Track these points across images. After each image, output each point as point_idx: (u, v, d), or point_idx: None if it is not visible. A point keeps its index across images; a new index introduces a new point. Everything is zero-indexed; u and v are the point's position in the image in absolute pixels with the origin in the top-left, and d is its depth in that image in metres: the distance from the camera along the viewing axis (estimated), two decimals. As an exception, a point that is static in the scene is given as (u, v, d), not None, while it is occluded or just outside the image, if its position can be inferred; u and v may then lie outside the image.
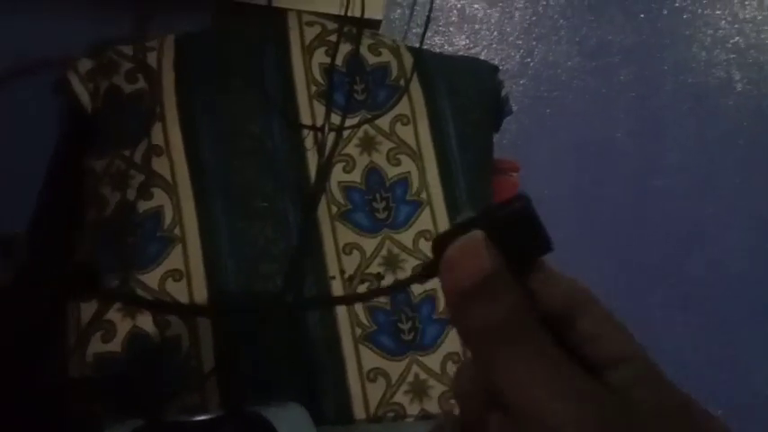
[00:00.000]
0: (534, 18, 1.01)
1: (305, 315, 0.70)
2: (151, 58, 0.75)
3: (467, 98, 0.80)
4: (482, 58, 0.98)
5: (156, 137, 0.72)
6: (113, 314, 0.66)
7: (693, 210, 1.10)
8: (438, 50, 0.96)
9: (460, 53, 0.98)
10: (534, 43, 1.01)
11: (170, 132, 0.72)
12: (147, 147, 0.71)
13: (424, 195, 0.75)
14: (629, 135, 1.06)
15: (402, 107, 0.76)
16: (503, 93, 0.83)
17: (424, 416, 0.68)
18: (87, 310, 0.66)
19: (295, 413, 0.49)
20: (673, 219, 1.09)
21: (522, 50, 1.01)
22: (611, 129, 1.06)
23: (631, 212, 1.07)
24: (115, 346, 0.65)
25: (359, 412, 0.68)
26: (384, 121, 0.76)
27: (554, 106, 1.02)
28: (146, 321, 0.66)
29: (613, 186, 1.06)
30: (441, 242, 0.25)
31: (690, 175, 1.10)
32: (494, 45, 1.00)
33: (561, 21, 1.02)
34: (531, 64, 1.02)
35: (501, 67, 0.87)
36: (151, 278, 0.67)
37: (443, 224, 0.75)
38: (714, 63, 1.09)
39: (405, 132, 0.76)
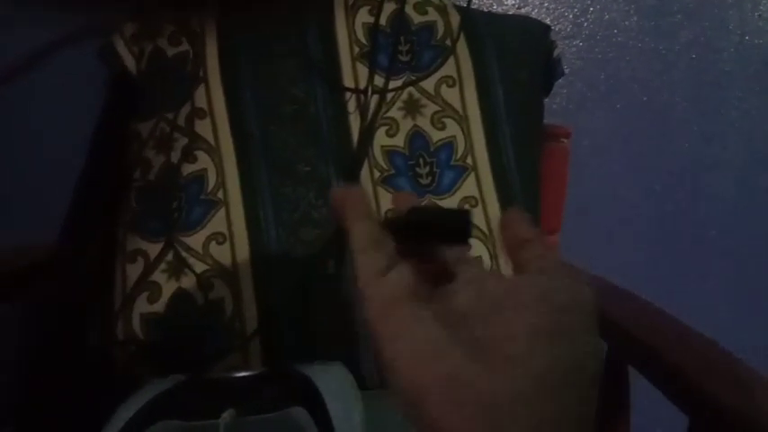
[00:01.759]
0: (589, -26, 0.96)
1: (346, 280, 0.69)
2: (195, 21, 0.74)
3: (516, 59, 0.76)
4: (533, 17, 0.94)
5: (200, 100, 0.71)
6: (159, 275, 0.67)
7: (754, 181, 1.04)
8: (486, 9, 0.92)
9: (510, 12, 0.94)
10: (589, 1, 0.96)
11: (213, 96, 0.72)
12: (191, 110, 0.71)
13: (469, 161, 0.73)
14: (690, 100, 1.01)
15: (448, 68, 0.74)
16: (555, 53, 0.79)
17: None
18: (133, 271, 0.67)
19: (337, 373, 0.48)
20: (732, 188, 1.03)
21: (575, 9, 0.96)
22: (670, 94, 1.00)
23: (689, 184, 1.02)
24: (160, 306, 0.66)
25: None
26: (429, 83, 0.73)
27: (609, 69, 0.97)
28: (190, 283, 0.66)
29: (671, 155, 1.01)
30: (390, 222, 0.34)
31: (752, 142, 1.03)
32: (545, 4, 0.95)
33: (618, -23, 0.96)
34: (585, 24, 0.97)
35: (553, 27, 0.83)
36: (195, 241, 0.68)
37: (489, 191, 0.73)
38: (784, 23, 1.02)
39: (450, 95, 0.73)
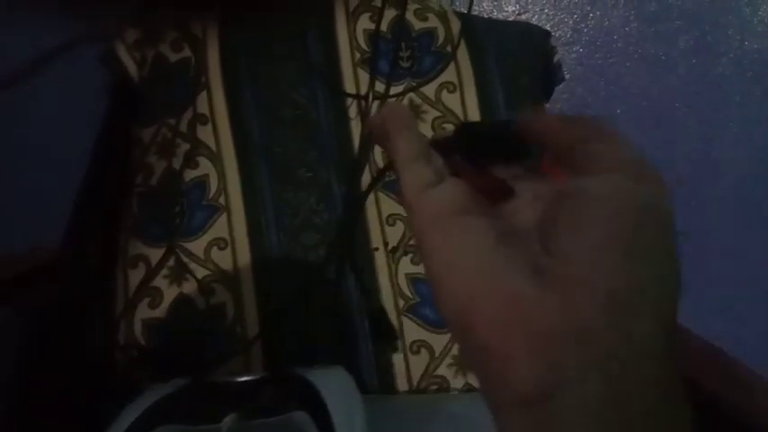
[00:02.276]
0: (589, -19, 0.96)
1: (347, 284, 0.69)
2: (196, 27, 0.75)
3: (516, 65, 0.76)
4: (533, 23, 0.94)
5: (202, 105, 0.72)
6: (160, 281, 0.67)
7: (756, 186, 1.04)
8: (487, 16, 0.93)
9: (510, 18, 0.95)
10: (589, 8, 0.96)
11: (215, 101, 0.72)
12: (193, 115, 0.71)
13: (470, 165, 0.73)
14: (689, 106, 1.01)
15: (449, 74, 0.74)
16: (555, 59, 0.79)
17: (469, 389, 0.67)
18: (135, 276, 0.67)
19: (339, 377, 0.48)
20: (734, 195, 1.03)
21: (575, 15, 0.96)
22: (670, 99, 1.01)
23: (690, 188, 1.02)
24: (162, 312, 0.66)
25: (401, 383, 0.67)
26: (430, 89, 0.74)
27: (609, 75, 0.98)
28: (192, 288, 0.67)
29: (672, 161, 1.01)
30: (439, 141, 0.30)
31: (753, 148, 1.04)
32: (545, 10, 0.96)
33: (618, -17, 0.97)
34: (585, 30, 0.97)
35: (553, 33, 0.83)
36: (196, 246, 0.68)
37: (490, 195, 0.73)
38: (784, 27, 1.02)
39: (451, 100, 0.74)
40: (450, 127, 0.73)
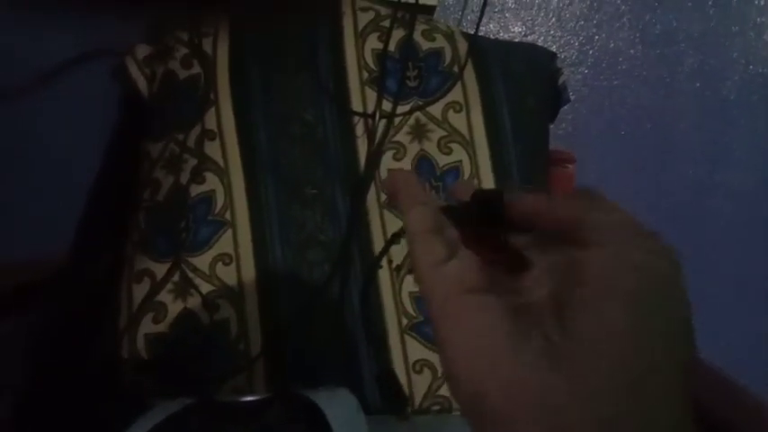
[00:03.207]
0: (595, 3, 0.97)
1: (351, 302, 0.69)
2: (206, 45, 0.75)
3: (522, 85, 0.77)
4: (539, 44, 0.95)
5: (210, 122, 0.72)
6: (164, 296, 0.67)
7: (761, 208, 1.04)
8: (493, 37, 0.93)
9: (517, 40, 0.96)
10: (594, 30, 0.97)
11: (223, 117, 0.72)
12: (201, 131, 0.72)
13: (476, 185, 0.73)
14: (694, 128, 1.01)
15: (455, 94, 0.75)
16: (560, 80, 0.80)
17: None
18: (139, 291, 0.67)
19: (343, 399, 0.48)
20: (738, 218, 1.03)
21: (581, 37, 0.97)
22: (675, 121, 1.01)
23: (694, 210, 1.02)
24: (165, 327, 0.66)
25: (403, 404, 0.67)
26: (436, 109, 0.74)
27: (614, 96, 0.98)
28: (196, 303, 0.67)
29: (675, 182, 1.01)
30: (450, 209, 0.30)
31: (757, 171, 1.04)
32: (551, 32, 0.97)
33: (623, 6, 0.97)
34: (591, 51, 0.98)
35: (559, 55, 0.84)
36: (202, 261, 0.68)
37: (495, 215, 0.73)
38: (788, 52, 1.03)
39: (457, 120, 0.74)
40: (455, 147, 0.74)
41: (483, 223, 0.28)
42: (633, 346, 0.21)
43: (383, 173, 0.72)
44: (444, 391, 0.67)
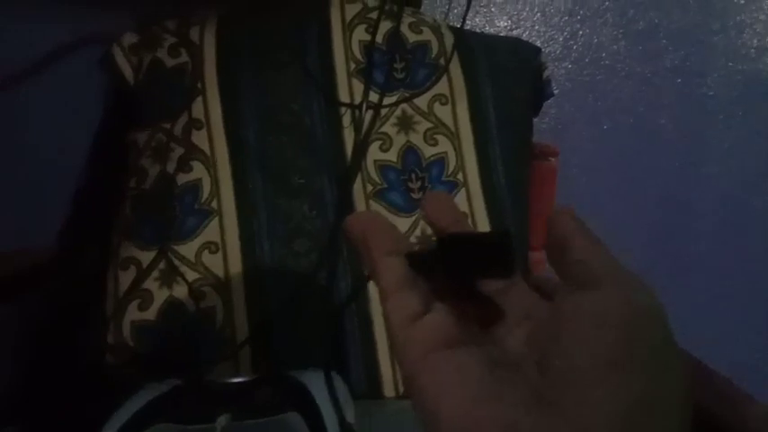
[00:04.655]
0: (579, -1, 0.99)
1: (338, 292, 0.70)
2: (194, 34, 0.76)
3: (508, 79, 0.78)
4: (524, 39, 0.96)
5: (197, 111, 0.72)
6: (150, 283, 0.67)
7: (740, 202, 1.06)
8: (479, 31, 0.94)
9: (502, 34, 0.97)
10: (578, 25, 0.99)
11: (210, 107, 0.73)
12: (188, 120, 0.72)
13: (460, 176, 0.74)
14: (675, 123, 1.03)
15: (441, 87, 0.75)
16: (544, 75, 0.81)
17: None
18: (125, 278, 0.68)
19: (332, 379, 0.49)
20: (718, 211, 1.05)
21: (565, 32, 0.99)
22: (656, 116, 1.03)
23: (675, 204, 1.04)
24: (151, 314, 0.66)
25: (388, 390, 0.68)
26: (422, 101, 0.75)
27: (597, 91, 1.00)
28: (182, 291, 0.67)
29: (656, 176, 1.03)
30: (415, 257, 0.28)
31: (736, 165, 1.06)
32: (536, 26, 0.98)
33: (607, 2, 0.99)
34: (575, 47, 0.99)
35: (543, 49, 0.85)
36: (188, 249, 0.68)
37: (479, 206, 0.74)
38: (766, 49, 1.05)
39: (443, 112, 0.75)
40: (441, 139, 0.75)
41: (453, 271, 0.27)
42: (624, 377, 0.21)
43: (370, 163, 0.73)
44: (428, 378, 0.68)
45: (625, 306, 0.22)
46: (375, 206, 0.72)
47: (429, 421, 0.23)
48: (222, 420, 0.42)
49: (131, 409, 0.44)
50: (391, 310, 0.26)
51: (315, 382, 0.45)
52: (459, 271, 0.27)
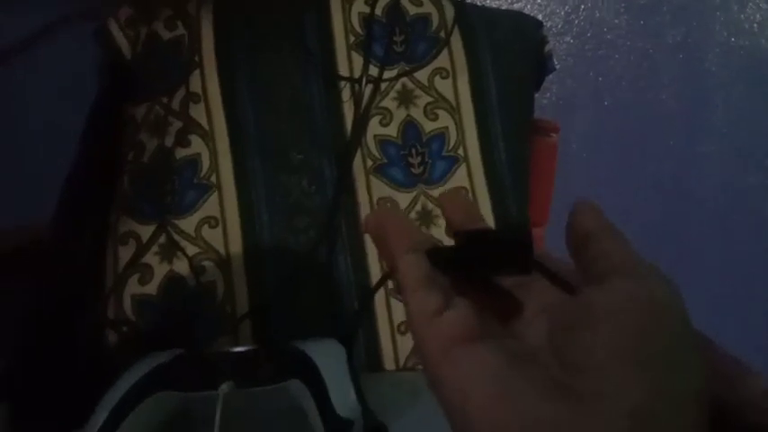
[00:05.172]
0: (582, -28, 0.97)
1: (338, 265, 0.70)
2: (191, 6, 0.74)
3: (509, 53, 0.77)
4: (525, 12, 0.95)
5: (195, 84, 0.72)
6: (150, 258, 0.67)
7: (739, 178, 1.06)
8: (480, 4, 0.93)
9: (503, 7, 0.96)
10: (580, -1, 0.98)
11: (208, 80, 0.72)
12: (185, 94, 0.71)
13: (461, 151, 0.74)
14: (676, 98, 1.03)
15: (442, 60, 0.75)
16: (546, 49, 0.80)
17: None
18: (125, 252, 0.67)
19: (332, 348, 0.49)
20: (718, 186, 1.05)
21: (567, 6, 0.97)
22: (657, 91, 1.02)
23: (675, 179, 1.04)
24: (151, 288, 0.66)
25: (388, 363, 0.68)
26: (423, 74, 0.74)
27: (598, 66, 0.99)
28: (182, 266, 0.67)
29: (657, 151, 1.03)
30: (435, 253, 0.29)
31: (737, 142, 1.06)
32: (538, 0, 0.97)
33: (610, -24, 0.98)
34: (576, 21, 0.98)
35: (545, 23, 0.84)
36: (188, 224, 0.68)
37: (480, 182, 0.74)
38: (769, 25, 1.04)
39: (444, 86, 0.74)
40: (442, 114, 0.74)
41: (472, 267, 0.28)
42: (639, 371, 0.21)
43: (369, 138, 0.73)
44: (428, 352, 0.69)
45: (643, 299, 0.22)
46: (375, 182, 0.72)
47: (456, 416, 0.23)
48: (225, 388, 0.42)
49: (132, 378, 0.44)
50: (413, 306, 0.26)
51: (316, 350, 0.46)
52: (479, 267, 0.28)
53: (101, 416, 0.43)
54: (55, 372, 0.60)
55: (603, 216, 0.27)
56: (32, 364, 0.61)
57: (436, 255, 0.28)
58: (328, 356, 0.46)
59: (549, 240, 0.83)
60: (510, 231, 0.29)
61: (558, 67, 0.84)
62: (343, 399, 0.42)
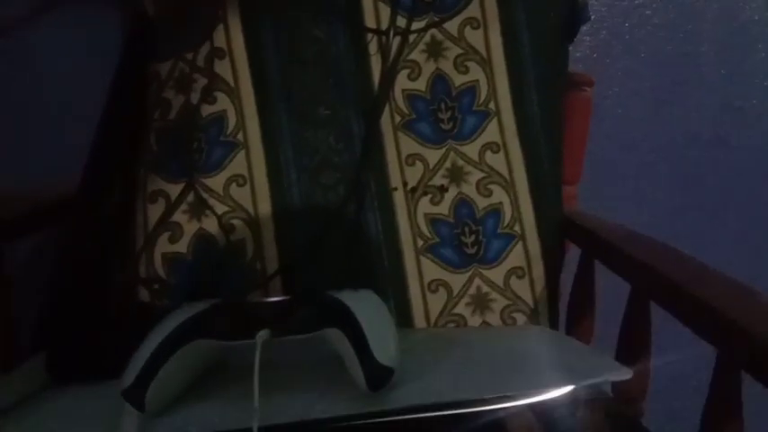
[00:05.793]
0: None
1: (367, 224, 0.69)
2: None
3: (542, 2, 0.74)
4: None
5: (219, 40, 0.70)
6: (180, 216, 0.67)
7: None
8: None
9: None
10: (617, -55, 0.93)
11: (232, 35, 0.70)
12: (210, 50, 0.70)
13: (492, 106, 0.72)
14: (715, 50, 0.98)
15: (472, 10, 0.72)
16: (581, -2, 0.77)
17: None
18: (154, 211, 0.67)
19: (370, 299, 0.48)
20: (759, 144, 1.01)
21: (603, -48, 0.93)
22: (695, 43, 0.98)
23: (713, 135, 1.00)
24: (182, 246, 0.66)
25: (419, 321, 0.68)
26: (452, 25, 0.72)
27: (634, 17, 0.95)
28: (212, 224, 0.67)
29: (694, 106, 0.99)
30: None
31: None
32: (572, -53, 0.92)
33: None
34: (612, -32, 0.94)
35: (579, -30, 0.80)
36: (215, 182, 0.68)
37: (512, 137, 0.72)
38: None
39: (474, 37, 0.72)
40: (472, 66, 0.72)
41: None
42: None
43: (397, 93, 0.71)
44: (459, 309, 0.68)
45: None
46: (403, 138, 0.70)
47: None
48: (263, 335, 0.42)
49: (169, 326, 0.44)
50: None
51: (354, 300, 0.45)
52: None
53: (138, 363, 0.43)
54: (91, 321, 0.61)
55: None
56: (69, 313, 0.62)
57: None
58: (366, 305, 0.46)
59: (582, 199, 0.81)
60: None
61: (592, 17, 0.81)
62: (383, 346, 0.42)
